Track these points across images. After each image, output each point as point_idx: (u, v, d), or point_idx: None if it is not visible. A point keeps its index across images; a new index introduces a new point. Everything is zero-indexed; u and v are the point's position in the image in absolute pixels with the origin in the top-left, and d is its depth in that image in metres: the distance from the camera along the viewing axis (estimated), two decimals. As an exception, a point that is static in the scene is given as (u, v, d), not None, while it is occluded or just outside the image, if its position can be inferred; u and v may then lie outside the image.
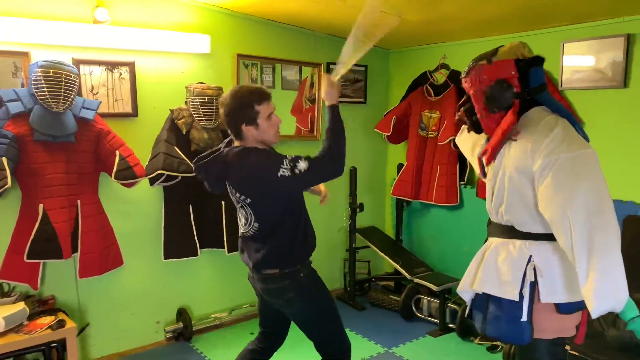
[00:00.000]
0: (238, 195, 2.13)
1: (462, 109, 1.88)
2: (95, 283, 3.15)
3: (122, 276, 3.28)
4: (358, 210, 3.94)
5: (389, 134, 4.05)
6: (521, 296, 1.67)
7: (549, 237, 1.67)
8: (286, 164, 1.99)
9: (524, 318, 1.66)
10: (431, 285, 3.51)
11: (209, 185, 2.25)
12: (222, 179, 2.16)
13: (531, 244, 1.69)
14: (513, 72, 1.72)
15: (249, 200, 2.10)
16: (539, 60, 1.75)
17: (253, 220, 2.13)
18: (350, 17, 3.35)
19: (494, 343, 3.29)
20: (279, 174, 1.98)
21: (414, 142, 4.04)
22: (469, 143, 2.24)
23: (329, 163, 2.03)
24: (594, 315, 1.48)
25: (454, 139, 3.61)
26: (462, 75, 1.83)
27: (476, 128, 1.85)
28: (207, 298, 3.69)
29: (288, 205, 2.12)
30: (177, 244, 3.36)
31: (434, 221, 4.11)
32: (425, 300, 3.74)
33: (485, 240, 1.92)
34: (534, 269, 1.66)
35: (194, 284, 3.62)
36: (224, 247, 3.45)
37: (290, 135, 3.92)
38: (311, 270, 2.22)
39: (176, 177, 3.17)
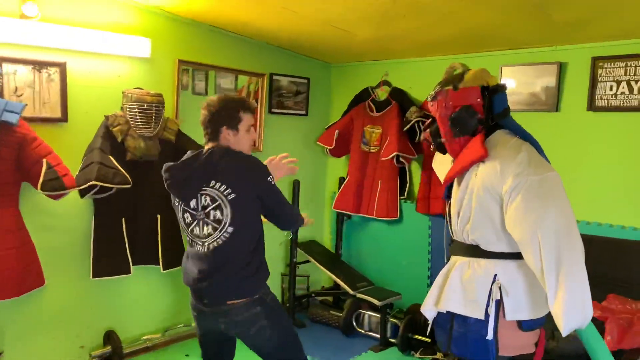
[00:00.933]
0: (220, 187, 1.95)
1: (427, 130, 1.90)
2: (13, 305, 2.82)
3: (43, 297, 2.98)
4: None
5: (331, 147, 4.04)
6: (487, 314, 1.69)
7: (514, 256, 1.72)
8: (269, 173, 2.04)
9: (490, 336, 1.69)
10: (374, 300, 3.51)
11: (181, 192, 2.04)
12: (205, 180, 1.98)
13: (496, 263, 1.73)
14: (478, 100, 1.77)
15: (232, 196, 1.94)
16: (503, 87, 1.80)
17: (228, 222, 1.95)
18: (297, 28, 3.35)
19: (435, 357, 3.35)
20: (268, 178, 2.00)
21: (356, 157, 4.06)
22: (441, 165, 2.27)
23: (294, 211, 2.24)
24: (565, 332, 1.53)
25: (397, 155, 3.66)
26: (428, 98, 1.86)
27: (441, 149, 1.87)
28: (138, 318, 3.44)
29: (258, 218, 2.05)
30: (107, 261, 3.11)
31: (374, 235, 4.14)
32: (366, 315, 3.74)
33: (447, 260, 1.93)
34: (499, 287, 1.70)
35: (123, 303, 3.36)
36: (158, 264, 3.25)
37: None
38: (272, 294, 2.13)
39: (110, 188, 2.94)
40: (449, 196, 1.90)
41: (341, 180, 4.21)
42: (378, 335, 3.61)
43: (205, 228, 2.02)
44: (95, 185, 2.84)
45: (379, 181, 3.92)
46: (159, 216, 3.27)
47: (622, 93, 2.88)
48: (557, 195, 1.61)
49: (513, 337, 1.73)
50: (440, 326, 1.86)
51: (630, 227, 2.88)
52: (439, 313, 1.86)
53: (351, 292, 3.65)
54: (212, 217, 1.99)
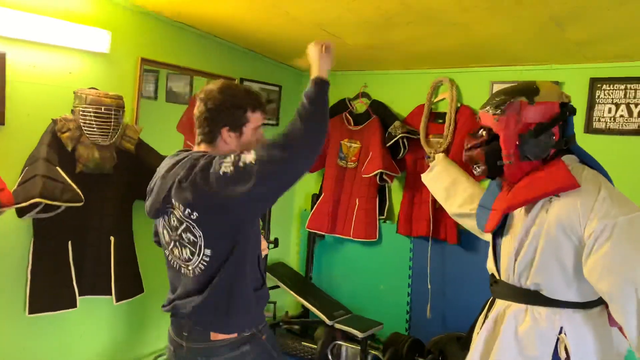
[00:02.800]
0: (183, 210, 1.59)
1: (477, 149, 1.62)
2: None
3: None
4: (272, 246, 3.52)
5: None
6: None
7: (580, 306, 1.48)
8: (228, 159, 1.53)
9: None
10: (355, 331, 3.21)
11: (150, 204, 1.73)
12: (167, 195, 1.65)
13: (561, 313, 1.49)
14: (556, 117, 1.51)
15: (195, 215, 1.57)
16: (575, 108, 1.57)
17: (203, 244, 1.59)
18: (281, 30, 3.01)
19: (421, 393, 3.10)
20: (221, 171, 1.49)
21: (332, 172, 3.76)
22: (443, 181, 2.01)
23: (289, 149, 1.47)
24: None
25: (381, 172, 3.40)
26: (490, 110, 1.57)
27: (493, 173, 1.60)
28: (82, 358, 2.92)
29: (242, 227, 1.60)
30: (48, 293, 2.59)
31: (349, 257, 3.85)
32: (343, 347, 3.42)
33: (490, 303, 1.67)
34: (566, 343, 1.45)
35: (67, 342, 2.83)
36: (110, 294, 2.78)
37: None
38: (270, 331, 1.76)
39: (57, 207, 2.45)
40: (499, 226, 1.62)
41: (314, 197, 3.89)
42: (357, 369, 3.32)
43: (184, 251, 1.67)
44: (38, 203, 2.35)
45: (357, 199, 3.64)
46: (112, 239, 2.80)
47: (621, 116, 2.79)
48: None
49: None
50: (486, 385, 1.59)
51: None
52: (481, 367, 1.59)
53: (328, 321, 3.33)
54: (186, 240, 1.65)
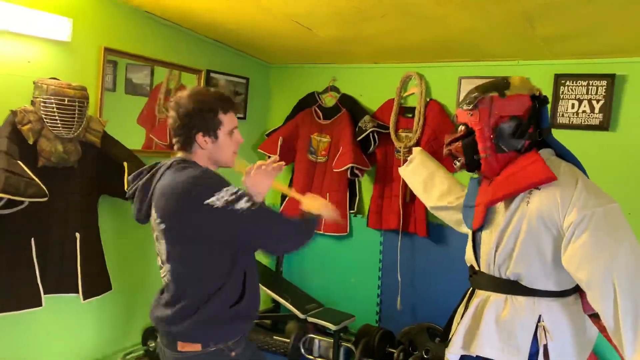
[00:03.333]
0: (154, 215, 1.65)
1: (456, 143, 1.64)
2: None
3: None
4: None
5: (276, 155, 3.67)
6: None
7: (558, 294, 1.53)
8: (223, 194, 1.53)
9: None
10: (328, 324, 3.21)
11: (135, 213, 1.77)
12: (147, 202, 1.71)
13: (539, 302, 1.53)
14: (528, 110, 1.55)
15: (163, 226, 1.60)
16: (547, 99, 1.61)
17: (165, 258, 1.65)
18: (249, 22, 2.96)
19: (392, 383, 3.14)
20: (205, 201, 1.50)
21: (302, 167, 3.74)
22: (420, 175, 2.03)
23: (289, 225, 1.75)
24: None
25: (352, 167, 3.41)
26: (465, 106, 1.60)
27: (472, 167, 1.63)
28: (47, 358, 2.81)
29: (213, 249, 1.60)
30: (11, 292, 2.47)
31: (319, 251, 3.84)
32: (315, 340, 3.42)
33: (469, 294, 1.70)
34: (544, 330, 1.49)
35: (32, 342, 2.72)
36: (77, 292, 2.67)
37: (136, 149, 3.06)
38: (247, 347, 1.71)
39: (20, 202, 2.33)
40: (479, 221, 1.64)
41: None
42: (328, 362, 3.32)
43: (159, 257, 1.73)
44: (0, 199, 2.24)
45: (327, 193, 3.64)
46: (77, 235, 2.69)
47: (584, 112, 2.89)
48: (625, 229, 1.46)
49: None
50: (466, 371, 1.62)
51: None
52: (463, 356, 1.61)
53: (301, 315, 3.32)
54: (158, 247, 1.71)
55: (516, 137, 1.54)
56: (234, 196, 1.54)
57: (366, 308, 3.63)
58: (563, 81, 2.94)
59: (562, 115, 2.95)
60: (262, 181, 1.72)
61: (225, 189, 1.55)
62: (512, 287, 1.57)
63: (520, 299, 1.55)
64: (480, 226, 1.65)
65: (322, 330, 3.45)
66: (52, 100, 2.43)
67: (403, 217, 3.37)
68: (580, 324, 1.57)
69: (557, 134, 2.91)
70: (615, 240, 1.43)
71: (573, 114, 2.92)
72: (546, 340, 1.50)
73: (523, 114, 1.56)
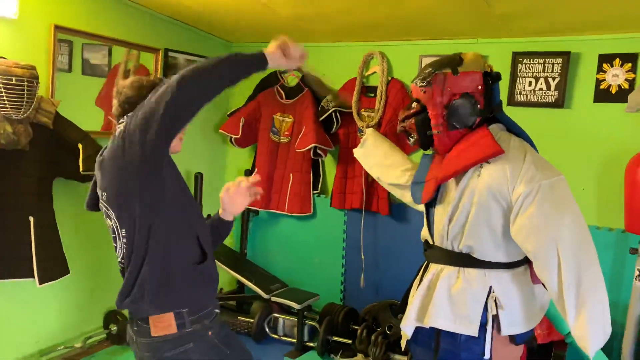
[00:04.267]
0: (100, 192, 1.58)
1: (409, 119, 1.65)
2: None
3: None
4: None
5: (237, 136, 3.64)
6: (484, 331, 1.53)
7: (508, 266, 1.57)
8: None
9: (487, 355, 1.52)
10: (292, 303, 3.24)
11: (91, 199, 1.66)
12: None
13: (490, 274, 1.57)
14: (480, 87, 1.56)
15: (105, 195, 1.55)
16: (500, 76, 1.63)
17: (116, 223, 1.53)
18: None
19: (356, 359, 3.19)
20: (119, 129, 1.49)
21: (265, 147, 3.71)
22: (374, 156, 2.04)
23: (173, 87, 1.37)
24: (592, 354, 1.42)
25: (315, 147, 3.40)
26: (418, 82, 1.60)
27: (425, 143, 1.64)
28: (5, 344, 2.75)
29: (152, 191, 1.49)
30: (-39, 279, 2.41)
31: (283, 232, 3.85)
32: (280, 319, 3.45)
33: (424, 267, 1.73)
34: (495, 300, 1.54)
35: (-16, 329, 2.66)
36: (33, 277, 2.61)
37: (95, 131, 2.99)
38: (219, 325, 1.68)
39: (-32, 186, 2.25)
40: (429, 196, 1.66)
41: (247, 173, 3.83)
42: (294, 340, 3.35)
43: (115, 243, 1.62)
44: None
45: (291, 174, 3.63)
46: (31, 219, 2.62)
47: (540, 89, 2.95)
48: (569, 201, 1.50)
49: (506, 352, 1.59)
50: (422, 343, 1.65)
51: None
52: (418, 329, 1.65)
53: (265, 295, 3.33)
54: (110, 229, 1.60)
55: (468, 114, 1.56)
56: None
57: (330, 287, 3.66)
58: (520, 59, 2.98)
59: (520, 93, 3.00)
60: (239, 201, 1.73)
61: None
62: (464, 260, 1.60)
63: (472, 271, 1.59)
64: (429, 200, 1.67)
65: (287, 310, 3.48)
66: (-1, 80, 2.34)
67: (366, 196, 3.39)
68: (530, 293, 1.62)
69: (515, 111, 3.01)
70: (560, 212, 1.46)
71: (530, 92, 2.97)
72: (496, 310, 1.55)
73: (475, 90, 1.57)
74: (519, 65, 2.98)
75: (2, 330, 2.72)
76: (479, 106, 1.57)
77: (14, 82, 2.37)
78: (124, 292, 1.58)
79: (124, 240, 1.54)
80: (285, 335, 3.43)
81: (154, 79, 1.65)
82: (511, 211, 1.50)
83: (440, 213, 1.65)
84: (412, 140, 1.68)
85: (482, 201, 1.53)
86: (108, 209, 1.57)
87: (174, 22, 3.47)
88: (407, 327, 1.64)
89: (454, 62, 1.58)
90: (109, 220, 1.59)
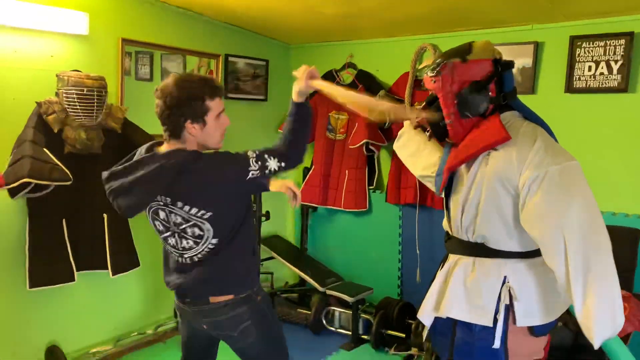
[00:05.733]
0: (190, 211, 1.69)
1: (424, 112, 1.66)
2: None
3: (-31, 314, 2.58)
4: (264, 219, 3.60)
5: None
6: (495, 321, 1.51)
7: (524, 255, 1.54)
8: (253, 164, 1.68)
9: (497, 345, 1.50)
10: (345, 296, 3.30)
11: (128, 207, 1.71)
12: (154, 194, 1.69)
13: (505, 263, 1.54)
14: (490, 74, 1.54)
15: (208, 215, 1.69)
16: (512, 63, 1.59)
17: (211, 236, 1.73)
18: (258, 3, 3.03)
19: (410, 353, 3.19)
20: (248, 177, 1.68)
21: (321, 145, 3.81)
22: (409, 148, 2.05)
23: (295, 152, 1.77)
24: (597, 344, 1.36)
25: (366, 143, 3.43)
26: (429, 72, 1.61)
27: (440, 135, 1.64)
28: (85, 330, 3.07)
29: (244, 211, 1.81)
30: (47, 268, 2.72)
31: (341, 228, 3.92)
32: (336, 312, 3.52)
33: (445, 258, 1.72)
34: (509, 290, 1.51)
35: (67, 314, 2.98)
36: (107, 269, 2.90)
37: (160, 134, 3.24)
38: (265, 293, 1.92)
39: (47, 186, 2.55)
40: (445, 186, 1.66)
41: (305, 170, 3.95)
42: (349, 332, 3.41)
43: (183, 242, 1.78)
44: (28, 183, 2.46)
45: (347, 171, 3.69)
46: (105, 215, 2.90)
47: (601, 74, 2.77)
48: (580, 186, 1.43)
49: (524, 343, 1.55)
50: (440, 333, 1.65)
51: (609, 212, 2.79)
52: (437, 318, 1.65)
53: (320, 288, 3.42)
54: (190, 234, 1.75)
55: (478, 102, 1.53)
56: (260, 161, 1.70)
57: (388, 281, 3.68)
58: (579, 43, 2.82)
59: (579, 79, 2.83)
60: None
61: (250, 160, 1.69)
62: (479, 250, 1.58)
63: (487, 261, 1.56)
64: (441, 190, 1.67)
65: (344, 303, 3.54)
66: (73, 91, 2.62)
67: (420, 191, 3.37)
68: (549, 285, 1.55)
69: (574, 99, 2.85)
70: (568, 197, 1.41)
71: (590, 77, 2.80)
72: (510, 300, 1.51)
73: (484, 78, 1.55)
74: (577, 49, 2.82)
75: (83, 316, 3.05)
76: (490, 93, 1.54)
77: (85, 92, 2.64)
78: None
79: (210, 247, 1.75)
80: (341, 328, 3.51)
81: (199, 78, 1.78)
82: (519, 198, 1.47)
83: (454, 203, 1.64)
84: (427, 133, 1.68)
85: (490, 189, 1.51)
86: (204, 223, 1.74)
87: (231, 28, 3.66)
88: (425, 317, 1.65)
89: (463, 50, 1.57)
90: (195, 229, 1.74)
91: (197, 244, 1.75)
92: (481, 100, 1.54)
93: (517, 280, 1.53)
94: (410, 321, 3.31)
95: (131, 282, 3.21)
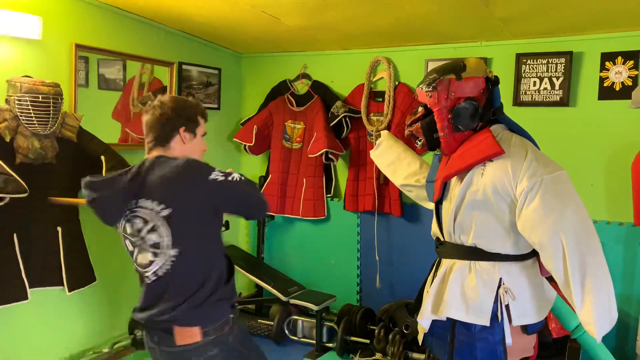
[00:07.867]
0: (152, 205, 1.64)
1: (416, 124, 1.74)
2: None
3: None
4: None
5: (251, 144, 3.75)
6: (495, 320, 1.61)
7: (517, 258, 1.65)
8: (218, 171, 1.68)
9: (509, 342, 1.62)
10: (310, 305, 3.32)
11: (109, 215, 1.71)
12: (132, 197, 1.69)
13: (500, 266, 1.65)
14: (482, 91, 1.65)
15: (167, 212, 1.62)
16: (498, 80, 1.72)
17: (170, 244, 1.63)
18: (217, 13, 3.00)
19: (375, 358, 3.26)
20: (210, 177, 1.64)
21: (278, 154, 3.82)
22: (388, 157, 2.14)
23: (261, 196, 1.81)
24: (599, 339, 1.49)
25: (326, 152, 3.50)
26: (424, 87, 1.69)
27: (432, 145, 1.74)
28: (36, 350, 2.86)
29: (212, 228, 1.74)
30: (-4, 287, 2.53)
31: (299, 235, 3.94)
32: (299, 321, 3.53)
33: (437, 263, 1.81)
34: (506, 291, 1.62)
35: (20, 335, 2.76)
36: (62, 285, 2.74)
37: (114, 143, 3.10)
38: (238, 328, 1.78)
39: (1, 199, 2.38)
40: (439, 194, 1.76)
41: (261, 179, 3.94)
42: (313, 341, 3.44)
43: (146, 255, 1.69)
44: (-20, 197, 2.28)
45: (304, 179, 3.73)
46: (59, 229, 2.75)
47: (545, 89, 3.02)
48: (571, 193, 1.58)
49: (518, 341, 1.67)
50: (437, 335, 1.73)
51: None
52: (434, 322, 1.73)
53: (283, 298, 3.42)
54: (148, 242, 1.67)
55: (471, 117, 1.65)
56: (225, 172, 1.68)
57: (347, 288, 3.75)
58: (524, 60, 3.07)
59: (525, 93, 3.08)
60: None
61: (216, 168, 1.68)
62: (475, 253, 1.68)
63: (483, 263, 1.67)
64: (438, 199, 1.77)
65: (305, 312, 3.57)
66: (27, 98, 2.46)
67: (378, 198, 3.48)
68: (539, 285, 1.70)
69: (521, 111, 3.09)
70: (563, 203, 1.54)
71: (535, 92, 3.05)
72: (507, 300, 1.63)
73: (478, 94, 1.67)
74: (523, 66, 3.06)
75: (34, 336, 2.84)
76: (481, 109, 1.66)
77: (40, 99, 2.49)
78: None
79: (172, 260, 1.65)
80: (304, 337, 3.52)
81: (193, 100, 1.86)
82: (516, 206, 1.59)
83: (447, 210, 1.74)
84: (419, 143, 1.77)
85: (486, 198, 1.62)
86: (162, 224, 1.66)
87: (187, 37, 3.60)
88: (424, 320, 1.73)
89: (457, 68, 1.67)
90: (152, 235, 1.67)
91: (155, 255, 1.66)
92: (474, 115, 1.65)
93: (512, 281, 1.64)
94: (372, 327, 3.40)
95: (85, 298, 3.04)
